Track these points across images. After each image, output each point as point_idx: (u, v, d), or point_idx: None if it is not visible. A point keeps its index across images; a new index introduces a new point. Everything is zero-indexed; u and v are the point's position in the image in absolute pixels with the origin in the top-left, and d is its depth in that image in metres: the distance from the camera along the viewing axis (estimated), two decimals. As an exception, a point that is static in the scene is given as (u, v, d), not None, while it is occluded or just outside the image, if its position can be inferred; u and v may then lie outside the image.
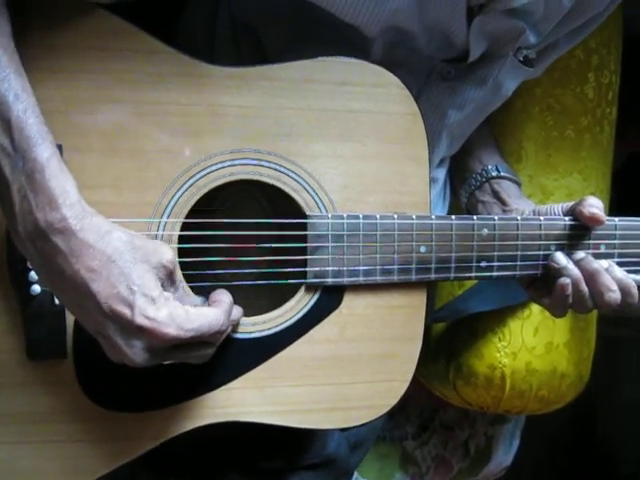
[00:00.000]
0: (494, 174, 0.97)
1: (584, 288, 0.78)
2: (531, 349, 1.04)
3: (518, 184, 0.99)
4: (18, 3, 0.63)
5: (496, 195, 0.96)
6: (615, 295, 0.78)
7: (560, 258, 0.80)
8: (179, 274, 0.65)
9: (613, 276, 0.79)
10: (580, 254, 0.80)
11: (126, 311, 0.58)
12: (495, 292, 0.87)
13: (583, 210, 0.80)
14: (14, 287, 0.67)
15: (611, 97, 1.14)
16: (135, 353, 0.60)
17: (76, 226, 0.58)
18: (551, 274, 0.80)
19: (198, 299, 0.68)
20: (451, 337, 1.06)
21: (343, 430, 0.95)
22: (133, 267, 0.60)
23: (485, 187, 0.97)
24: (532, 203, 0.94)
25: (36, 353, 0.68)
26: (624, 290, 0.78)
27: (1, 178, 0.59)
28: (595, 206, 0.80)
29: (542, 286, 0.83)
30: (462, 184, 1.00)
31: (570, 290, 0.78)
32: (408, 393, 0.79)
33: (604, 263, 0.79)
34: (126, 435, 0.71)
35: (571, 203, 0.84)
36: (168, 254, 0.63)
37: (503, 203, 0.95)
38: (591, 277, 0.78)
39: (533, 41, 0.85)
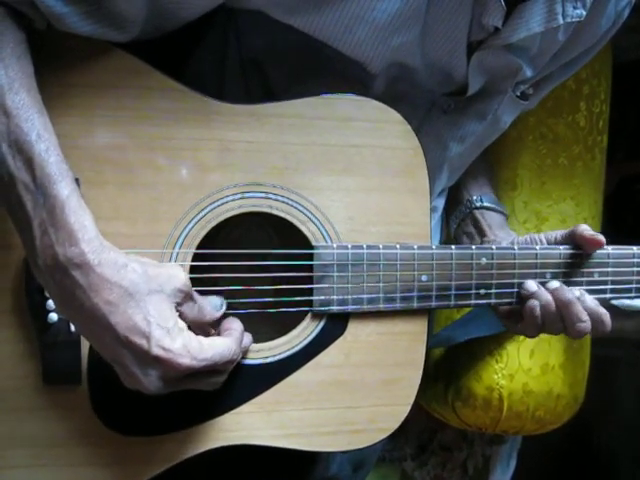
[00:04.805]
0: (478, 205, 0.99)
1: (553, 311, 0.80)
2: (527, 371, 1.06)
3: (504, 215, 1.00)
4: (38, 45, 0.66)
5: (476, 225, 0.98)
6: (585, 325, 0.79)
7: (531, 285, 0.81)
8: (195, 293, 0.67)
9: (584, 306, 0.80)
10: (555, 283, 0.81)
11: (143, 342, 0.61)
12: (492, 317, 0.89)
13: (583, 233, 0.82)
14: (32, 315, 0.70)
15: (602, 125, 1.17)
16: (151, 382, 0.62)
17: (94, 261, 0.60)
18: (523, 301, 0.82)
19: (217, 300, 0.70)
20: (450, 360, 1.07)
21: (345, 452, 0.96)
22: (149, 299, 0.62)
23: (469, 218, 1.00)
24: (513, 234, 0.95)
25: (51, 379, 0.70)
26: (594, 319, 0.80)
27: (23, 213, 0.61)
28: (589, 230, 0.82)
29: (516, 314, 0.84)
30: (452, 215, 1.03)
31: (539, 312, 0.80)
32: (408, 415, 0.81)
33: (576, 292, 0.81)
34: (139, 458, 0.73)
35: (555, 232, 0.86)
36: (181, 278, 0.65)
37: (481, 234, 0.97)
38: (564, 306, 0.80)
39: (529, 75, 0.88)
